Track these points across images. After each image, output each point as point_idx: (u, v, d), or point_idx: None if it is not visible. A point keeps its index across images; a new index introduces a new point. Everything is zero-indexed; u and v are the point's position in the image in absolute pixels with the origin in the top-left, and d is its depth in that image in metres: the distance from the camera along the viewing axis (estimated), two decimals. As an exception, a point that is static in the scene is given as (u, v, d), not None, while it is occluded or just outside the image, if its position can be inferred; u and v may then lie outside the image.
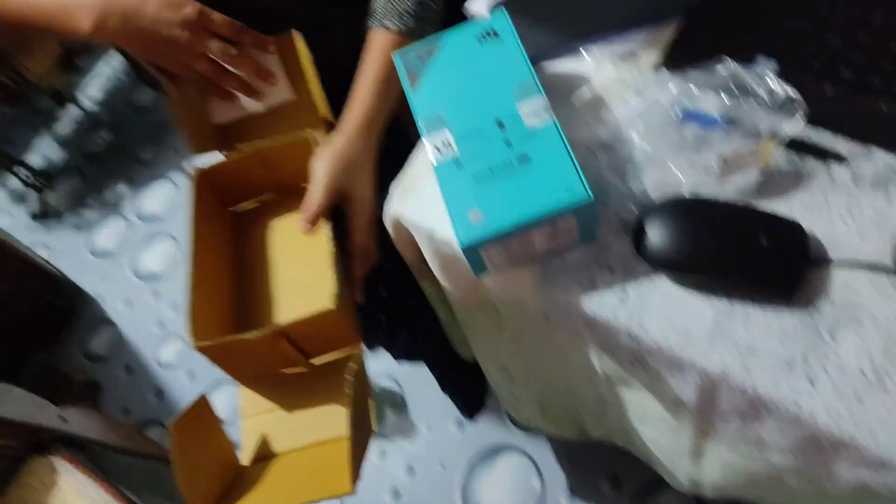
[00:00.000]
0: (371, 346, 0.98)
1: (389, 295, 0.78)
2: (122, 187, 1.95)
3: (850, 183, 0.56)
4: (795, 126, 0.57)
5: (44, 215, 1.99)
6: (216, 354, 0.66)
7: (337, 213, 0.68)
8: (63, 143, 2.11)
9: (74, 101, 2.07)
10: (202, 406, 0.68)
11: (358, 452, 0.63)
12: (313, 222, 0.66)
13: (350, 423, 0.61)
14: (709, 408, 0.58)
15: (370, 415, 0.70)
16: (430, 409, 1.40)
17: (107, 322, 1.77)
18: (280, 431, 0.71)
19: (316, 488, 0.63)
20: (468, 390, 1.08)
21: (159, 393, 1.62)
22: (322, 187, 0.66)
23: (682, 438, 0.66)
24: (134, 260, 1.83)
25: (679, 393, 0.59)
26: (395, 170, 0.70)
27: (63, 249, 1.92)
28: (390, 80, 0.69)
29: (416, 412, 1.41)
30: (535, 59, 0.69)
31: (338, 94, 0.75)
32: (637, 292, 0.56)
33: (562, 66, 0.69)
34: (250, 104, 0.80)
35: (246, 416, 0.73)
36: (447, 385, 1.05)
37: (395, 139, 0.73)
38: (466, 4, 0.75)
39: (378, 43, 0.72)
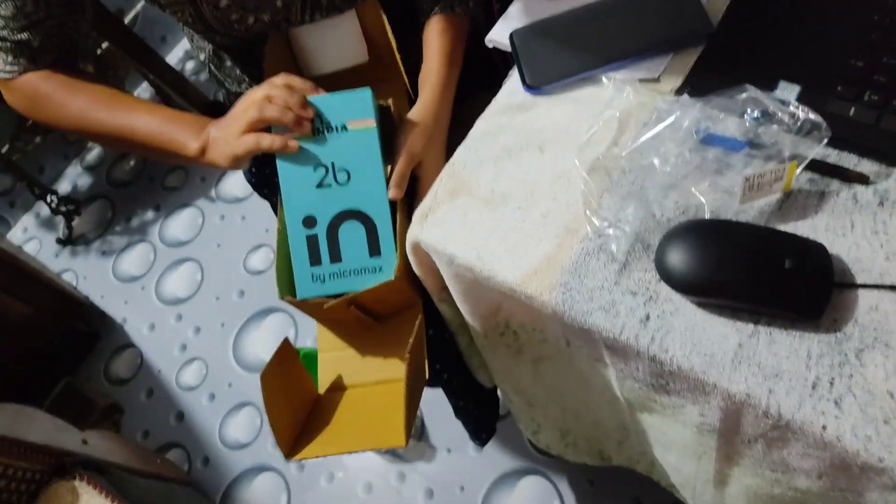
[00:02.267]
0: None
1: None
2: (148, 214, 1.99)
3: (875, 204, 0.56)
4: (818, 148, 0.57)
5: (71, 241, 2.02)
6: (300, 306, 0.77)
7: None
8: (91, 171, 2.16)
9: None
10: (285, 348, 0.77)
11: (413, 403, 0.72)
12: (401, 187, 0.73)
13: (408, 370, 0.69)
14: (733, 432, 0.57)
15: (424, 365, 0.78)
16: (450, 432, 1.39)
17: (130, 346, 1.78)
18: (351, 367, 0.82)
19: (376, 436, 0.75)
20: (482, 417, 1.08)
21: (179, 416, 1.63)
22: (406, 158, 0.73)
23: (706, 464, 0.65)
24: (158, 284, 1.86)
25: (702, 417, 0.58)
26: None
27: (89, 274, 1.95)
28: (458, 56, 0.80)
29: (436, 435, 1.40)
30: (556, 84, 0.70)
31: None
32: (659, 315, 0.56)
33: (582, 92, 0.70)
34: (337, 62, 0.89)
35: (322, 350, 0.84)
36: (461, 412, 1.04)
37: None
38: (488, 37, 0.76)
39: (441, 23, 0.80)
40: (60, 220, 2.01)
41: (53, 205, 1.96)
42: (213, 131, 0.74)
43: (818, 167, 0.58)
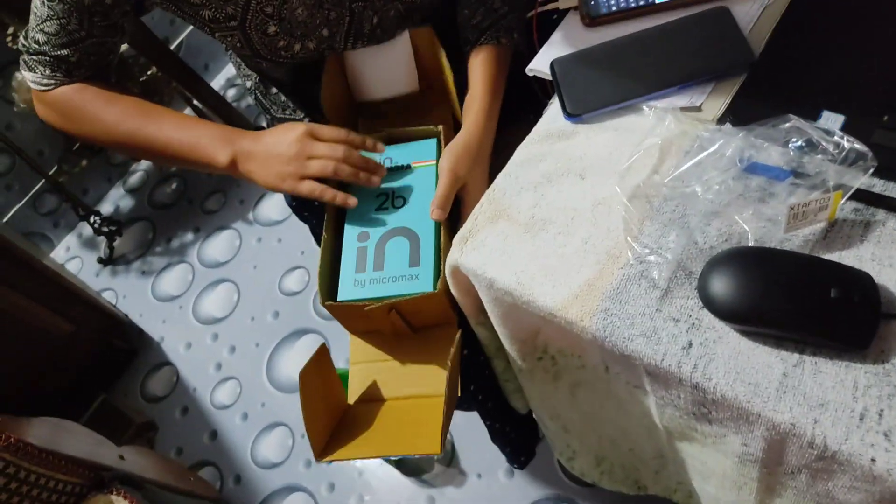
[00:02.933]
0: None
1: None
2: (188, 235, 2.03)
3: (922, 235, 0.55)
4: (864, 178, 0.57)
5: (112, 261, 2.07)
6: (339, 313, 0.79)
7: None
8: (134, 193, 2.21)
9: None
10: (322, 354, 0.79)
11: (448, 415, 0.73)
12: (444, 208, 0.76)
13: (447, 384, 0.71)
14: (776, 463, 0.56)
15: (458, 380, 0.79)
16: (480, 458, 1.38)
17: (166, 363, 1.81)
18: (382, 379, 0.83)
19: (409, 443, 0.76)
20: (519, 440, 1.07)
21: (213, 434, 1.64)
22: (450, 180, 0.76)
23: (746, 495, 0.64)
24: (196, 304, 1.89)
25: (745, 447, 0.58)
26: None
27: (129, 293, 1.99)
28: (501, 85, 0.81)
29: (466, 461, 1.40)
30: (597, 112, 0.71)
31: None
32: (702, 343, 0.56)
33: (623, 120, 0.71)
34: (389, 88, 0.92)
35: (354, 362, 0.85)
36: (497, 434, 1.04)
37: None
38: (529, 66, 0.78)
39: (491, 52, 0.82)
40: (102, 240, 2.06)
41: (96, 225, 2.02)
42: (246, 144, 0.78)
43: (864, 197, 0.58)
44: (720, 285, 0.55)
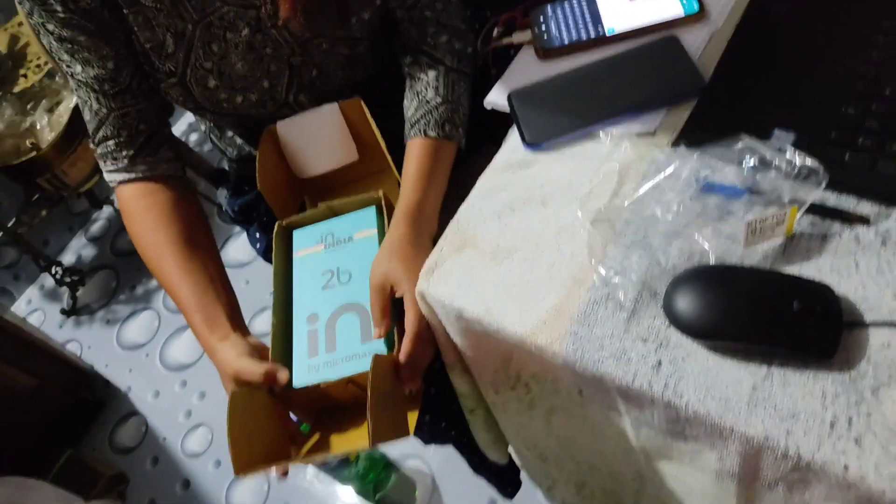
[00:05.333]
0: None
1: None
2: (152, 282, 1.99)
3: (878, 244, 0.57)
4: (817, 192, 0.58)
5: (75, 311, 2.03)
6: (298, 398, 0.75)
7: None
8: (96, 241, 2.18)
9: (109, 202, 2.15)
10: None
11: (378, 410, 0.65)
12: (381, 328, 0.72)
13: (373, 377, 0.65)
14: (752, 477, 0.57)
15: (406, 420, 0.74)
16: (463, 491, 1.36)
17: (134, 413, 1.77)
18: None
19: (342, 442, 0.73)
20: (503, 469, 1.06)
21: (185, 483, 1.60)
22: (374, 290, 0.72)
23: (727, 512, 0.64)
24: (162, 351, 1.85)
25: (721, 463, 0.58)
26: None
27: (93, 344, 1.95)
28: (431, 175, 0.78)
29: (447, 494, 1.38)
30: (555, 140, 0.72)
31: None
32: (671, 361, 0.56)
33: (581, 147, 0.72)
34: (329, 160, 0.92)
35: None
36: (478, 467, 1.03)
37: None
38: (487, 99, 0.79)
39: (418, 146, 0.79)
40: (65, 290, 2.02)
41: (58, 276, 1.98)
42: (220, 350, 0.76)
43: (819, 210, 0.60)
44: (685, 303, 0.56)
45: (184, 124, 2.26)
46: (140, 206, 0.84)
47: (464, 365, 0.76)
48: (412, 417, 0.74)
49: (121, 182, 0.84)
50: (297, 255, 0.84)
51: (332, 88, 0.87)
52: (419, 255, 0.71)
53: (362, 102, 0.86)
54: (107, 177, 0.85)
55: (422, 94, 0.82)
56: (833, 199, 0.60)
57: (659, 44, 0.74)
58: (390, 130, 0.85)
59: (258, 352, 0.75)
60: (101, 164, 0.85)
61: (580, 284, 0.63)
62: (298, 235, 0.86)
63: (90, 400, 1.78)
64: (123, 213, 0.86)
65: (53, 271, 1.96)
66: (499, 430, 0.86)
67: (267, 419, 0.74)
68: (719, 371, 0.55)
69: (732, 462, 0.56)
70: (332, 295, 0.79)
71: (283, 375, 0.70)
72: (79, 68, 0.78)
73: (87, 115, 0.82)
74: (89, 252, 2.16)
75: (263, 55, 0.81)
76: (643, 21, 0.77)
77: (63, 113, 1.74)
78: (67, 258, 2.15)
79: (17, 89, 1.71)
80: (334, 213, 0.86)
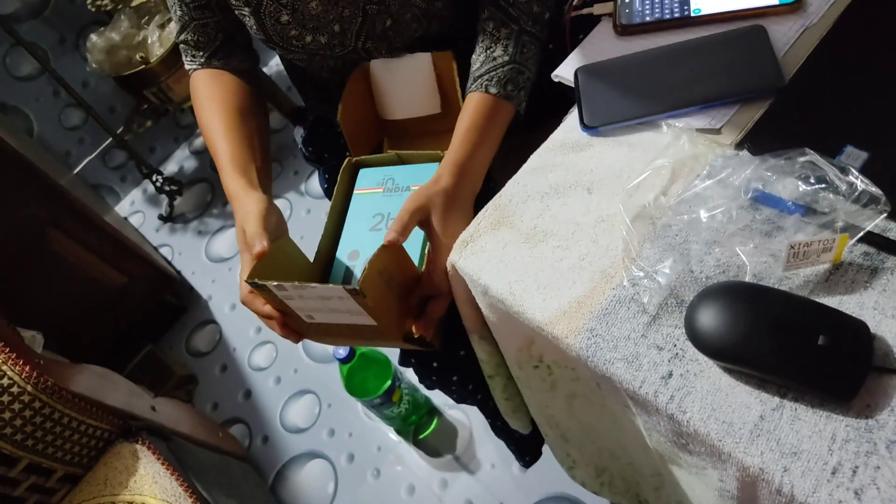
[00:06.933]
0: (430, 388, 1.01)
1: (442, 343, 0.81)
2: (243, 200, 2.09)
3: (927, 289, 0.52)
4: (876, 221, 0.54)
5: (171, 219, 2.16)
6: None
7: None
8: (198, 155, 2.30)
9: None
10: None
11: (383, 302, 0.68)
12: (399, 233, 0.70)
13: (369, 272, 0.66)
14: (752, 502, 0.55)
15: (400, 331, 0.75)
16: (497, 450, 1.39)
17: (212, 322, 1.89)
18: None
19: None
20: (523, 439, 1.07)
21: (247, 394, 1.71)
22: (406, 210, 0.72)
23: (729, 528, 0.63)
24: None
25: (721, 483, 0.57)
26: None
27: (184, 251, 2.08)
28: (485, 132, 0.77)
29: (482, 450, 1.42)
30: (614, 126, 0.70)
31: None
32: (682, 375, 0.55)
33: (639, 136, 0.69)
34: (412, 108, 0.94)
35: None
36: (500, 432, 1.05)
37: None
38: (555, 72, 0.77)
39: (476, 101, 0.79)
40: (164, 198, 2.15)
41: (158, 184, 2.10)
42: (241, 199, 0.80)
43: (875, 241, 0.55)
44: (707, 319, 0.54)
45: (276, 62, 2.32)
46: (206, 82, 0.92)
47: (483, 332, 0.77)
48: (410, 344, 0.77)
49: (195, 69, 0.93)
50: (357, 192, 0.87)
51: (403, 41, 0.87)
52: (457, 210, 0.73)
53: (453, 57, 0.86)
54: (186, 67, 0.95)
55: (490, 50, 0.81)
56: (893, 231, 0.56)
57: (743, 33, 0.69)
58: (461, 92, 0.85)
59: (271, 216, 0.79)
60: (183, 57, 0.95)
61: (608, 280, 0.61)
62: (363, 174, 0.88)
63: (173, 303, 1.92)
64: (192, 91, 0.94)
65: (154, 179, 2.09)
66: (519, 399, 0.87)
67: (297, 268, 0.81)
68: (729, 393, 0.53)
69: (732, 485, 0.55)
70: (377, 237, 0.81)
71: (258, 249, 0.74)
72: None
73: (174, 18, 0.92)
74: (191, 164, 2.28)
75: None
76: (733, 5, 0.72)
77: (173, 30, 1.81)
78: (170, 168, 2.28)
79: (135, 3, 1.79)
80: (402, 162, 0.87)
